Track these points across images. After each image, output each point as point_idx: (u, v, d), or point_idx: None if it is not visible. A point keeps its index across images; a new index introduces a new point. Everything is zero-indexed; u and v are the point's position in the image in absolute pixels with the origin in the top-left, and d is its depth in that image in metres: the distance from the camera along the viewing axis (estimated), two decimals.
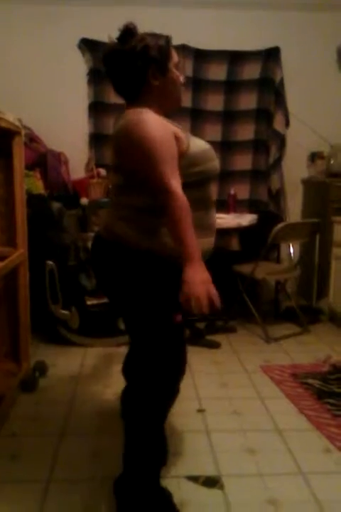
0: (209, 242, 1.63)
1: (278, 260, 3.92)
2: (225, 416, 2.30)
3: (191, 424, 2.19)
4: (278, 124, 3.90)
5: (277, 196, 4.01)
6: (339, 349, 3.12)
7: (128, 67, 1.54)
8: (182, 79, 1.64)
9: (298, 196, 4.14)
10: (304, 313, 3.58)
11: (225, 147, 3.92)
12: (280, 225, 3.15)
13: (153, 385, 1.57)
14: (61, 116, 3.77)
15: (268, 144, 3.93)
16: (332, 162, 3.79)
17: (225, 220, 3.41)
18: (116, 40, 1.57)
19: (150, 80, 1.55)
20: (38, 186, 3.24)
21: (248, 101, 3.89)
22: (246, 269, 3.37)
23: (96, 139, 3.83)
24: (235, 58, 3.83)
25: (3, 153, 2.40)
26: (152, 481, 1.62)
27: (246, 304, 3.36)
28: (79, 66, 3.77)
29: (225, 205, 3.72)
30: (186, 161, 1.50)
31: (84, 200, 3.36)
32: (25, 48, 3.75)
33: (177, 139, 1.50)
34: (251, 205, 3.98)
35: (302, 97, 3.95)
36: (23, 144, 2.47)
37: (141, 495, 1.59)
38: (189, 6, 3.77)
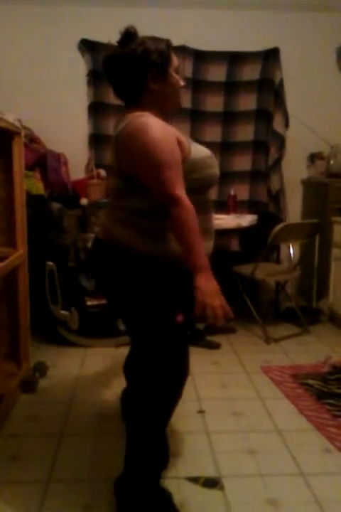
0: (209, 246, 1.64)
1: (277, 261, 3.92)
2: (225, 417, 2.30)
3: (191, 425, 2.19)
4: (277, 124, 3.90)
5: (277, 197, 4.01)
6: (339, 350, 3.12)
7: (128, 70, 1.54)
8: (182, 83, 1.64)
9: (298, 197, 4.15)
10: (304, 313, 3.58)
11: (225, 148, 3.93)
12: (280, 226, 3.15)
13: (156, 387, 1.57)
14: (61, 116, 3.77)
15: (268, 144, 3.93)
16: (331, 163, 3.79)
17: (225, 220, 3.41)
18: (116, 44, 1.57)
19: (150, 83, 1.55)
20: (38, 187, 3.24)
21: (247, 102, 3.90)
22: (246, 269, 3.37)
23: (96, 140, 3.83)
24: (235, 59, 3.84)
25: (3, 153, 2.40)
26: (152, 481, 1.62)
27: (246, 305, 3.36)
28: (78, 67, 3.78)
29: (225, 205, 3.73)
30: (187, 167, 1.51)
31: (84, 201, 3.36)
32: (25, 48, 3.75)
33: (179, 143, 1.50)
34: (250, 206, 3.98)
35: (302, 97, 3.96)
36: (22, 144, 2.48)
37: (141, 495, 1.59)
38: (188, 6, 3.78)
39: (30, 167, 3.21)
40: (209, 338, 3.23)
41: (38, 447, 2.03)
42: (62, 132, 3.73)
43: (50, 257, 3.07)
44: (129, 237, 1.54)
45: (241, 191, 3.93)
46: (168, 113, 1.65)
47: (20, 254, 2.45)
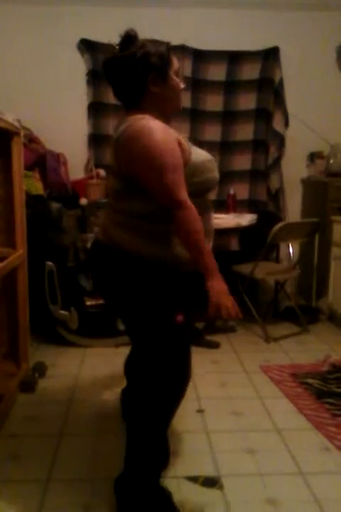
0: (208, 246, 1.64)
1: (277, 260, 3.92)
2: (224, 416, 2.30)
3: (190, 424, 2.19)
4: (277, 124, 3.90)
5: (276, 196, 4.01)
6: (338, 349, 3.12)
7: (128, 73, 1.55)
8: (182, 85, 1.65)
9: (298, 196, 4.15)
10: (303, 313, 3.58)
11: (224, 147, 3.93)
12: (279, 225, 3.15)
13: (157, 388, 1.57)
14: (60, 116, 3.77)
15: (268, 143, 3.93)
16: (331, 162, 3.79)
17: (225, 220, 3.41)
18: (116, 44, 1.57)
19: (151, 86, 1.56)
20: (37, 187, 3.25)
21: (247, 101, 3.90)
22: (245, 269, 3.37)
23: (96, 140, 3.83)
24: (234, 58, 3.83)
25: (2, 153, 2.40)
26: (152, 481, 1.62)
27: (246, 304, 3.36)
28: (78, 67, 3.78)
29: (225, 205, 3.73)
30: (188, 170, 1.51)
31: (83, 201, 3.36)
32: (24, 48, 3.75)
33: (180, 146, 1.51)
34: (250, 205, 3.98)
35: (302, 96, 3.95)
36: (22, 144, 2.48)
37: (141, 495, 1.59)
38: (188, 6, 3.77)
39: (29, 167, 3.21)
40: (209, 337, 3.24)
41: (38, 447, 2.03)
42: (61, 132, 3.73)
43: (49, 257, 3.07)
44: (129, 241, 1.55)
45: (240, 190, 3.93)
46: (169, 115, 1.66)
47: (19, 254, 2.45)
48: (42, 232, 3.07)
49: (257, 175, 3.98)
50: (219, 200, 3.79)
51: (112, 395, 2.47)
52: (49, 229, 3.10)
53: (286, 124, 3.94)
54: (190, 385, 1.68)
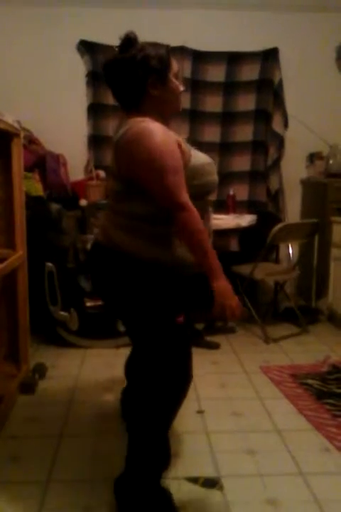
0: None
1: (276, 261, 3.92)
2: (224, 417, 2.30)
3: (190, 425, 2.19)
4: (276, 124, 3.90)
5: (276, 197, 4.02)
6: (338, 349, 3.12)
7: (128, 76, 1.55)
8: (181, 88, 1.65)
9: (297, 197, 4.15)
10: (303, 313, 3.58)
11: (224, 148, 3.93)
12: (279, 226, 3.15)
13: (158, 389, 1.57)
14: (60, 117, 3.77)
15: (267, 144, 3.93)
16: (330, 162, 3.80)
17: (224, 220, 3.41)
18: (117, 46, 1.58)
19: (150, 89, 1.56)
20: (37, 188, 3.25)
21: (246, 102, 3.90)
22: (245, 269, 3.37)
23: (95, 141, 3.83)
24: (234, 59, 3.84)
25: (2, 154, 2.40)
26: (153, 482, 1.62)
27: (246, 305, 3.36)
28: (78, 68, 3.78)
29: (224, 205, 3.73)
30: (188, 173, 1.51)
31: (83, 202, 3.36)
32: (24, 49, 3.75)
33: (180, 148, 1.51)
34: (250, 206, 3.98)
35: (301, 97, 3.96)
36: (22, 145, 2.48)
37: (141, 495, 1.59)
38: (188, 7, 3.78)
39: (29, 168, 3.21)
40: (209, 338, 3.24)
41: (38, 448, 2.03)
42: (61, 133, 3.73)
43: (49, 258, 3.07)
44: (129, 242, 1.55)
45: (240, 191, 3.93)
46: (168, 118, 1.66)
47: (19, 255, 2.45)
48: (42, 233, 3.07)
49: (257, 176, 3.98)
50: (218, 201, 3.79)
51: (112, 396, 2.47)
52: (49, 230, 3.10)
53: (286, 124, 3.95)
54: (190, 385, 1.68)
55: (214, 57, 3.83)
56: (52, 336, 3.18)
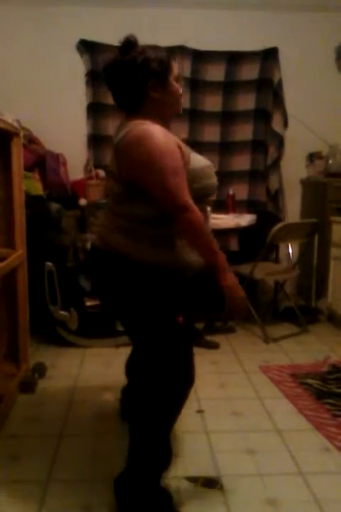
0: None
1: (276, 260, 3.92)
2: (224, 416, 2.30)
3: (190, 425, 2.19)
4: (276, 124, 3.90)
5: (276, 196, 4.01)
6: (338, 349, 3.12)
7: (128, 79, 1.56)
8: (181, 91, 1.65)
9: (297, 196, 4.15)
10: (303, 313, 3.58)
11: (223, 148, 3.93)
12: (278, 226, 3.15)
13: (159, 390, 1.56)
14: (60, 117, 3.77)
15: (267, 144, 3.93)
16: (330, 162, 3.79)
17: (224, 220, 3.41)
18: (116, 44, 1.58)
19: (151, 92, 1.56)
20: (37, 187, 3.24)
21: (246, 101, 3.90)
22: (245, 269, 3.37)
23: (95, 140, 3.83)
24: (233, 59, 3.83)
25: (1, 154, 2.40)
26: (153, 481, 1.62)
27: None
28: (77, 67, 3.77)
29: (224, 205, 3.73)
30: (188, 176, 1.51)
31: (82, 201, 3.36)
32: (23, 49, 3.75)
33: (180, 151, 1.51)
34: (249, 206, 3.98)
35: (301, 97, 3.95)
36: (21, 145, 2.48)
37: (141, 495, 1.59)
38: (187, 6, 3.77)
39: (29, 168, 3.21)
40: (209, 337, 3.24)
41: (38, 447, 2.03)
42: (60, 133, 3.72)
43: (49, 257, 3.07)
44: (128, 245, 1.55)
45: (239, 191, 3.93)
46: (168, 120, 1.66)
47: (19, 254, 2.45)
48: (42, 233, 3.06)
49: (256, 175, 3.98)
50: (218, 201, 3.78)
51: (112, 396, 2.47)
52: (48, 229, 3.10)
53: (285, 124, 3.94)
54: (192, 386, 1.68)
55: (213, 57, 3.82)
56: (52, 335, 3.17)
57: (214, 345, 3.17)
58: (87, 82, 3.77)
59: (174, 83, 1.62)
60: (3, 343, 2.61)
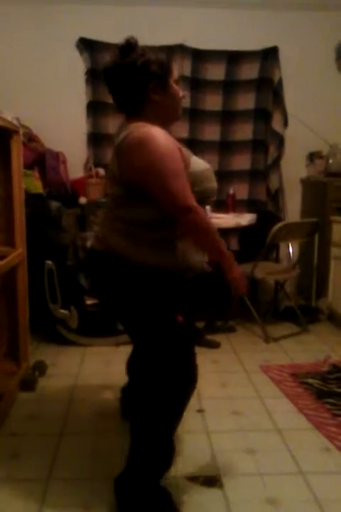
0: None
1: (277, 260, 3.92)
2: (225, 416, 2.30)
3: (190, 424, 2.18)
4: (276, 123, 3.90)
5: (276, 196, 4.01)
6: (338, 349, 3.12)
7: (128, 81, 1.55)
8: (181, 94, 1.65)
9: (297, 196, 4.15)
10: (303, 312, 3.58)
11: (224, 147, 3.92)
12: (279, 225, 3.15)
13: (161, 390, 1.56)
14: (59, 115, 3.76)
15: (267, 143, 3.93)
16: (330, 162, 3.79)
17: (224, 219, 3.41)
18: (117, 54, 1.58)
19: (151, 94, 1.56)
20: (37, 186, 3.24)
21: (246, 101, 3.89)
22: (245, 268, 3.35)
23: (95, 139, 3.82)
24: (233, 58, 3.83)
25: (1, 152, 2.40)
26: (153, 480, 1.62)
27: (246, 304, 3.36)
28: (77, 65, 3.76)
29: (224, 205, 3.72)
30: (188, 179, 1.51)
31: (82, 200, 3.36)
32: (23, 47, 3.74)
33: (180, 153, 1.51)
34: (249, 205, 3.98)
35: (301, 96, 3.95)
36: (21, 143, 2.47)
37: (141, 494, 1.59)
38: (187, 5, 3.77)
39: (28, 166, 3.20)
40: (209, 337, 3.23)
41: (38, 446, 2.02)
42: (60, 131, 3.72)
43: (48, 255, 3.06)
44: (127, 247, 1.55)
45: (240, 190, 3.93)
46: (169, 123, 1.66)
47: (19, 253, 2.45)
48: (42, 231, 3.06)
49: (256, 175, 3.98)
50: (218, 200, 3.79)
51: (112, 394, 2.46)
52: (48, 228, 3.09)
53: (285, 123, 3.94)
54: (195, 386, 1.68)
55: (213, 56, 3.82)
56: (52, 333, 3.17)
57: (214, 345, 3.17)
58: (87, 81, 3.77)
59: (174, 85, 1.62)
60: (3, 342, 2.61)
